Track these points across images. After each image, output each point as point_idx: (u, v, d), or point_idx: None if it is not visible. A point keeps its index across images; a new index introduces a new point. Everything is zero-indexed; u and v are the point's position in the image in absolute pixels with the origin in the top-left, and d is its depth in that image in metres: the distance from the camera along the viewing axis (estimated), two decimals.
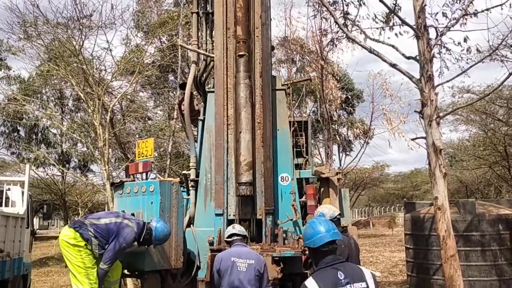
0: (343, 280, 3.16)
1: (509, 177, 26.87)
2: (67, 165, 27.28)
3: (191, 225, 6.45)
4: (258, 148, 6.28)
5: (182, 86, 7.75)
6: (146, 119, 20.42)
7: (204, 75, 7.14)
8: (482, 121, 22.75)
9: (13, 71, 24.98)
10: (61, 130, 21.32)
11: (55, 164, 20.81)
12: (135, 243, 5.28)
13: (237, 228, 5.48)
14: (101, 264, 5.17)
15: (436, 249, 8.06)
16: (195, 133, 7.71)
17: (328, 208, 5.39)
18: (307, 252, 5.19)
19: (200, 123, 7.05)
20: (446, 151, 38.00)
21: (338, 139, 27.17)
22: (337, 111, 26.16)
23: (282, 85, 6.84)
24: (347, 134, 35.45)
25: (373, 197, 61.99)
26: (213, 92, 6.66)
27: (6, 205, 9.98)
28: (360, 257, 5.43)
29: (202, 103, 7.16)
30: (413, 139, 8.29)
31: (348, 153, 35.37)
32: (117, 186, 5.94)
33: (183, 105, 7.52)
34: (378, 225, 44.21)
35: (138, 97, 19.96)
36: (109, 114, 13.89)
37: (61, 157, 26.60)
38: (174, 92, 19.76)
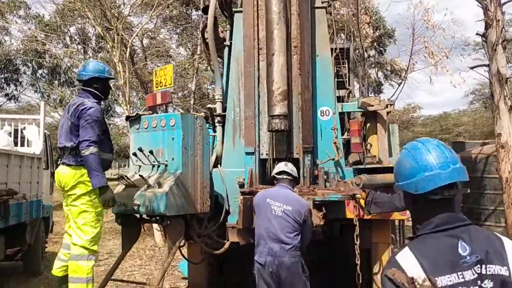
0: (468, 258, 1.76)
1: None
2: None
3: (219, 165, 5.70)
4: (295, 77, 5.38)
5: (205, 10, 6.77)
6: (168, 57, 19.51)
7: None
8: None
9: (33, 10, 24.11)
10: None
11: None
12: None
13: (290, 167, 4.75)
14: (84, 151, 4.45)
15: (491, 192, 7.22)
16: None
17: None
18: (359, 196, 4.41)
19: (226, 49, 6.13)
20: (481, 92, 36.24)
21: (367, 81, 25.72)
22: (367, 50, 24.64)
23: (323, 2, 5.80)
24: (377, 75, 33.98)
25: (401, 140, 60.64)
26: (241, 12, 5.70)
27: (22, 145, 9.46)
28: None
29: (228, 27, 6.19)
30: (472, 68, 7.24)
31: (377, 94, 34.02)
32: (133, 120, 5.18)
33: (207, 32, 6.61)
34: None
35: (160, 35, 19.00)
36: (128, 50, 13.09)
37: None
38: (198, 31, 18.72)
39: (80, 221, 4.61)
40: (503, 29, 6.20)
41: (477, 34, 6.48)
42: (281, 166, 4.74)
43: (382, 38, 33.80)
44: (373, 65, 32.10)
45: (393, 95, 19.78)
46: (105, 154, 4.80)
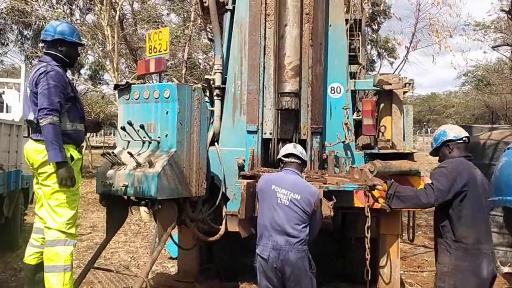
0: None
1: None
2: (77, 73, 25.84)
3: (215, 143, 5.17)
4: (305, 48, 4.83)
5: None
6: (160, 23, 18.68)
7: None
8: None
9: None
10: None
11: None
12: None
13: (299, 149, 4.18)
14: (42, 121, 3.92)
15: None
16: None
17: (452, 128, 4.10)
18: (380, 187, 3.91)
19: (228, 14, 5.51)
20: (474, 74, 35.82)
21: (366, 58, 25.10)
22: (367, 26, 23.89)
23: None
24: (370, 53, 33.34)
25: None
26: None
27: (1, 111, 8.78)
28: None
29: None
30: (494, 47, 6.70)
31: (369, 73, 33.48)
32: (122, 89, 4.59)
33: None
34: None
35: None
36: (118, 13, 12.30)
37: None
38: None
39: (54, 202, 4.08)
40: None
41: (501, 10, 5.95)
42: (289, 147, 4.20)
43: (379, 14, 33.10)
44: (367, 43, 31.47)
45: (397, 68, 19.03)
46: (75, 124, 4.25)
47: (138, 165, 4.22)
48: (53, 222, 4.09)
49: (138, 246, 9.37)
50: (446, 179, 3.69)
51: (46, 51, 4.31)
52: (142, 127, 4.35)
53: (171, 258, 8.00)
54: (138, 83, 4.62)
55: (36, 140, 4.12)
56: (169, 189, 4.20)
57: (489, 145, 7.69)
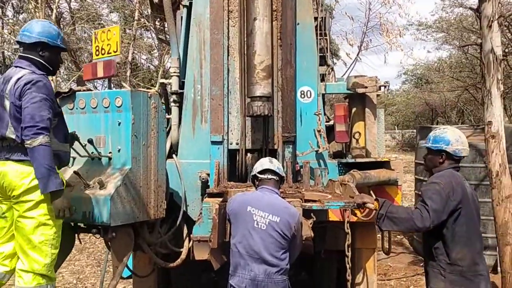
0: None
1: (480, 100, 25.87)
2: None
3: (173, 155, 4.61)
4: (274, 48, 4.36)
5: None
6: (99, 25, 17.70)
7: None
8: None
9: None
10: (1, 35, 18.10)
11: None
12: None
13: (275, 164, 3.67)
14: (30, 141, 3.14)
15: None
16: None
17: (458, 139, 3.63)
18: (371, 206, 3.48)
19: (184, 11, 4.95)
20: (414, 72, 36.86)
21: None
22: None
23: None
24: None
25: None
26: None
27: None
28: None
29: None
30: (462, 46, 6.50)
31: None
32: (65, 97, 3.93)
33: None
34: None
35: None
36: (54, 11, 11.37)
37: (1, 67, 23.38)
38: None
39: (38, 238, 3.31)
40: (500, 3, 5.47)
41: (470, 8, 5.73)
42: (264, 163, 3.69)
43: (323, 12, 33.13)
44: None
45: (344, 74, 19.00)
46: (60, 144, 3.51)
47: (87, 186, 3.60)
48: (35, 263, 3.33)
49: (84, 265, 8.58)
50: (440, 197, 3.33)
51: (24, 54, 3.48)
52: (90, 141, 3.73)
53: (121, 277, 7.32)
54: (84, 90, 3.98)
55: (18, 161, 3.31)
56: (124, 213, 3.60)
57: None
